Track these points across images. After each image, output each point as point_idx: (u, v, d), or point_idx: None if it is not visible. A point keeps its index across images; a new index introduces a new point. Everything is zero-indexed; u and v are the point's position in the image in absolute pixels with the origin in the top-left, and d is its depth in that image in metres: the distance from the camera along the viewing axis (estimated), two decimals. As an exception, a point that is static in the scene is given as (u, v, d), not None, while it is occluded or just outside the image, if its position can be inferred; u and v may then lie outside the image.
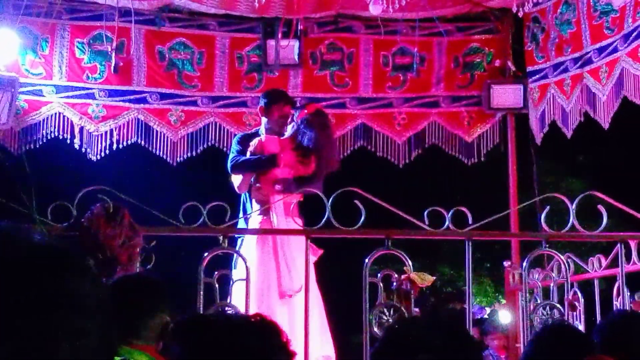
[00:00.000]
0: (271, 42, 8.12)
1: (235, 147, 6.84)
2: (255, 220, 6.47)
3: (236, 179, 6.73)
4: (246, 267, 5.55)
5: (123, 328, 3.48)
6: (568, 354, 3.47)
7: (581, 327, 6.17)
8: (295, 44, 8.10)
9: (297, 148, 6.58)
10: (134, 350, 3.44)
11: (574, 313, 6.15)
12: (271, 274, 6.34)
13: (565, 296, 5.96)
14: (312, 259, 6.23)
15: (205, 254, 5.63)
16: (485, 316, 13.76)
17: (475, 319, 12.20)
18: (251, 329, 2.27)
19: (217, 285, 5.49)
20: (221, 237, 5.67)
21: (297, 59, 8.14)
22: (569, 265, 6.22)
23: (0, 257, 0.99)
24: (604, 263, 6.42)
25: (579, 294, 6.19)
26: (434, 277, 6.24)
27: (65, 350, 0.97)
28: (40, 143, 7.95)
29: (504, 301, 12.18)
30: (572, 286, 6.17)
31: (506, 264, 7.87)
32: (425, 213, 5.79)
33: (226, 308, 5.43)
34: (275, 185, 6.56)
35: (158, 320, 3.59)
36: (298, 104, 7.20)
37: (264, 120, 6.84)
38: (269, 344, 2.24)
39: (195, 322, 2.35)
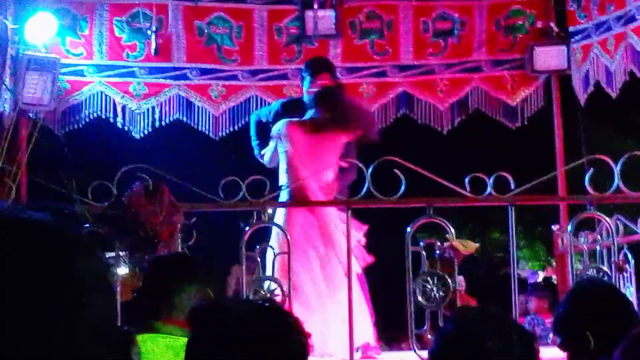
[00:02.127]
0: (309, 13, 8.05)
1: (253, 126, 6.91)
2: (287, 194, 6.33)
3: (266, 155, 6.71)
4: (287, 240, 5.56)
5: (161, 304, 3.55)
6: (602, 310, 3.35)
7: (632, 289, 6.10)
8: (333, 13, 8.03)
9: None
10: (171, 325, 3.50)
11: (624, 275, 6.08)
12: (310, 251, 6.20)
13: (613, 259, 5.89)
14: (358, 235, 6.20)
15: (247, 228, 5.66)
16: (539, 280, 13.69)
17: (530, 284, 12.16)
18: (263, 316, 2.29)
19: (259, 259, 5.51)
20: (262, 211, 5.69)
21: (335, 29, 8.06)
22: (617, 228, 6.14)
23: None
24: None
25: (629, 256, 6.10)
26: (478, 244, 6.20)
27: (62, 326, 0.97)
28: (83, 123, 8.00)
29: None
30: (621, 248, 6.10)
31: (555, 227, 7.81)
32: (467, 180, 5.75)
33: (268, 282, 5.44)
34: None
35: (195, 296, 3.63)
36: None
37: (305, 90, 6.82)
38: (281, 330, 2.27)
39: (208, 309, 2.38)
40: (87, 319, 1.00)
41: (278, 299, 5.18)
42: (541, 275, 14.14)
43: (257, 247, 5.65)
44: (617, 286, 5.76)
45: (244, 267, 5.46)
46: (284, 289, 5.39)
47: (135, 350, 2.22)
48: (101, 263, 1.07)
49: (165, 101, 8.17)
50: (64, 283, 0.99)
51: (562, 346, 3.39)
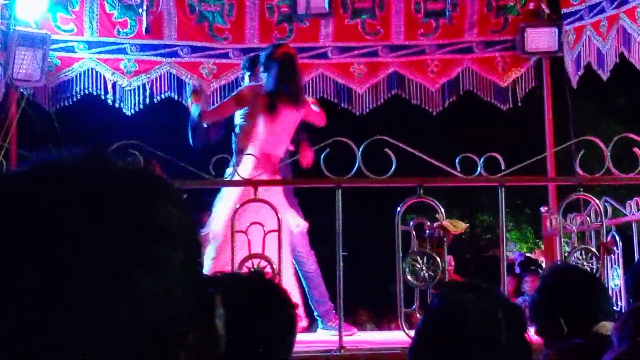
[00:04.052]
0: (301, -9, 8.03)
1: None
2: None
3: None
4: (278, 218, 5.55)
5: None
6: (574, 293, 3.36)
7: (619, 271, 6.14)
8: (325, -8, 8.01)
9: None
10: None
11: (612, 257, 6.11)
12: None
13: (601, 240, 5.92)
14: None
15: (238, 206, 5.66)
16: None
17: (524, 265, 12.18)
18: (251, 289, 2.31)
19: (248, 237, 5.50)
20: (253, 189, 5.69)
21: (327, 8, 8.05)
22: (606, 210, 6.16)
23: (76, 186, 0.93)
24: (642, 206, 6.34)
25: (617, 238, 6.13)
26: (467, 224, 6.21)
27: (143, 279, 0.91)
28: (74, 100, 7.97)
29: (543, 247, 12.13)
30: (609, 230, 6.13)
31: (543, 209, 7.83)
32: (458, 160, 5.75)
33: (258, 260, 5.44)
34: None
35: None
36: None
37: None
38: (270, 302, 2.28)
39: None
40: (172, 274, 0.93)
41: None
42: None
43: (248, 224, 5.64)
44: (605, 267, 5.81)
45: (235, 243, 5.46)
46: (274, 266, 5.40)
47: (220, 312, 2.20)
48: (190, 217, 0.99)
49: (155, 78, 8.15)
50: (151, 234, 0.93)
51: (537, 332, 3.42)
